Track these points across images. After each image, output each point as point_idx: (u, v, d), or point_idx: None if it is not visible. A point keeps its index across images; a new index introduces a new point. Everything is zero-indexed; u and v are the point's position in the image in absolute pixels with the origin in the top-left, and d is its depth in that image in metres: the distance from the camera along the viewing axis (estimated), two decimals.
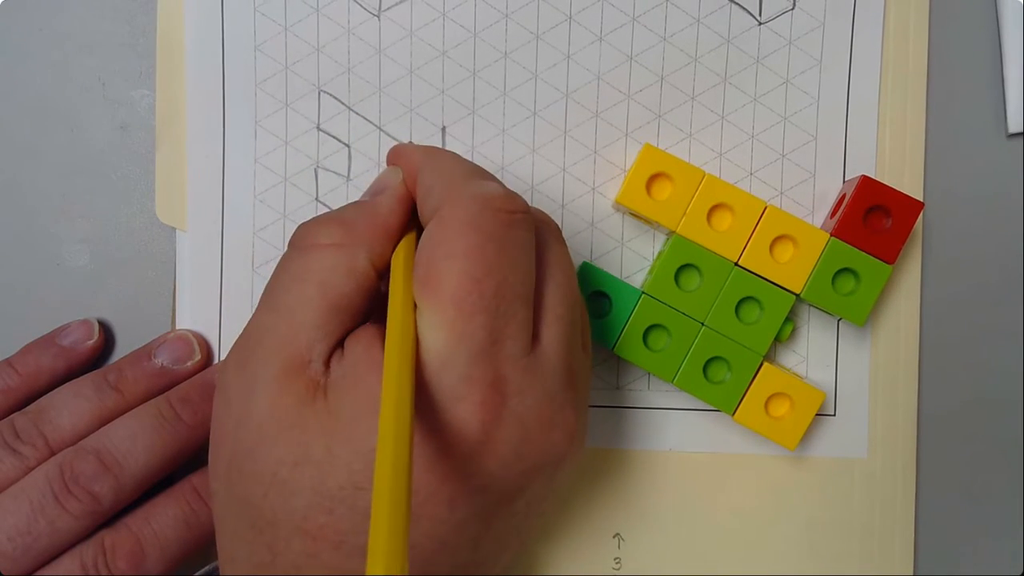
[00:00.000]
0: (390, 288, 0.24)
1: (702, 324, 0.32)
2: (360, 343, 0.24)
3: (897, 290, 0.34)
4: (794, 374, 0.33)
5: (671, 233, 0.32)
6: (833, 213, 0.32)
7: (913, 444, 0.34)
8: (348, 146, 0.33)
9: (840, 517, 0.34)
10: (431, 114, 0.33)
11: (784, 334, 0.32)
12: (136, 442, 0.29)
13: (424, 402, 0.22)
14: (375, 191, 0.27)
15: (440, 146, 0.33)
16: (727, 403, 0.32)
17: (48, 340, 0.32)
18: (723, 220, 0.31)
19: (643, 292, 0.32)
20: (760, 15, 0.33)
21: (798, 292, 0.31)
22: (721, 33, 0.33)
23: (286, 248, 0.26)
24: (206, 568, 0.29)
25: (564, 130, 0.33)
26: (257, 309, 0.25)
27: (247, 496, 0.23)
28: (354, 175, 0.33)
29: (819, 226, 0.33)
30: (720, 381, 0.32)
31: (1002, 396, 0.34)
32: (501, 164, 0.33)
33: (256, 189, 0.33)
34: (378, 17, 0.33)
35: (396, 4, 0.33)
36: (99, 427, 0.30)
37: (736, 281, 0.31)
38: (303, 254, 0.25)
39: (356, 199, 0.28)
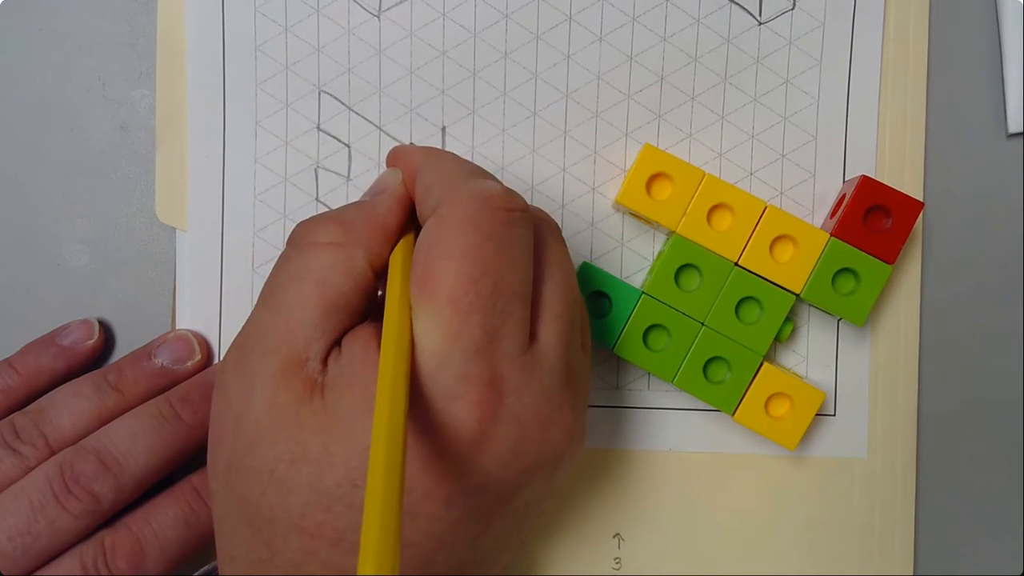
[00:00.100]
0: (387, 287, 0.24)
1: (702, 324, 0.31)
2: (358, 342, 0.24)
3: (897, 290, 0.34)
4: (794, 374, 0.33)
5: (671, 233, 0.32)
6: (833, 213, 0.32)
7: (913, 444, 0.34)
8: (348, 146, 0.33)
9: (840, 517, 0.34)
10: (431, 114, 0.33)
11: (784, 334, 0.32)
12: (136, 442, 0.29)
13: (421, 401, 0.22)
14: (375, 191, 0.28)
15: (440, 146, 0.33)
16: (727, 403, 0.32)
17: (48, 340, 0.32)
18: (723, 220, 0.31)
19: (643, 292, 0.32)
20: (760, 15, 0.33)
21: (798, 292, 0.31)
22: (721, 33, 0.33)
23: (285, 247, 0.26)
24: (206, 568, 0.29)
25: (564, 130, 0.33)
26: (256, 307, 0.25)
27: (245, 494, 0.23)
28: (354, 175, 0.33)
29: (819, 226, 0.33)
30: (720, 381, 0.32)
31: (1002, 396, 0.34)
32: (501, 164, 0.33)
33: (256, 189, 0.33)
34: (378, 17, 0.33)
35: (396, 4, 0.33)
36: (99, 427, 0.30)
37: (736, 281, 0.31)
38: (301, 253, 0.25)
39: (356, 199, 0.28)
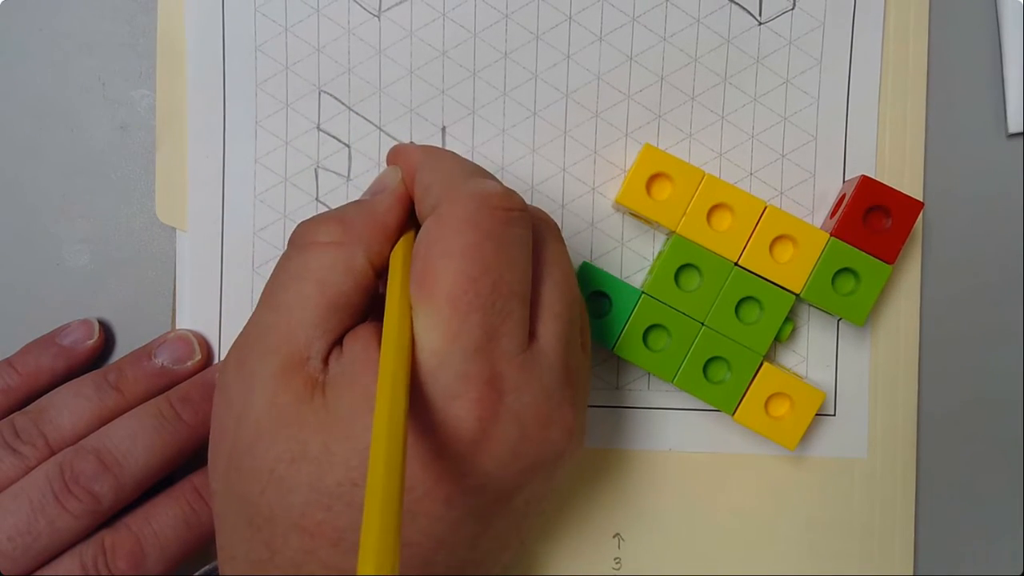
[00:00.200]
0: (388, 286, 0.24)
1: (702, 324, 0.31)
2: (358, 341, 0.24)
3: (897, 290, 0.34)
4: (794, 374, 0.33)
5: (671, 233, 0.32)
6: (833, 213, 0.32)
7: (913, 444, 0.34)
8: (348, 146, 0.33)
9: (840, 517, 0.34)
10: (431, 114, 0.33)
11: (784, 334, 0.32)
12: (136, 442, 0.29)
13: (420, 400, 0.22)
14: (375, 191, 0.28)
15: (440, 146, 0.33)
16: (727, 403, 0.32)
17: (48, 340, 0.32)
18: (723, 220, 0.31)
19: (643, 292, 0.32)
20: (760, 15, 0.33)
21: (798, 292, 0.31)
22: (721, 33, 0.33)
23: (286, 247, 0.26)
24: (206, 568, 0.29)
25: (564, 130, 0.33)
26: (257, 307, 0.25)
27: (245, 493, 0.23)
28: (354, 175, 0.33)
29: (819, 226, 0.33)
30: (720, 381, 0.32)
31: (1002, 396, 0.34)
32: (501, 164, 0.33)
33: (256, 189, 0.33)
34: (378, 17, 0.33)
35: (396, 4, 0.33)
36: (99, 427, 0.30)
37: (736, 281, 0.31)
38: (302, 252, 0.25)
39: (356, 199, 0.28)
